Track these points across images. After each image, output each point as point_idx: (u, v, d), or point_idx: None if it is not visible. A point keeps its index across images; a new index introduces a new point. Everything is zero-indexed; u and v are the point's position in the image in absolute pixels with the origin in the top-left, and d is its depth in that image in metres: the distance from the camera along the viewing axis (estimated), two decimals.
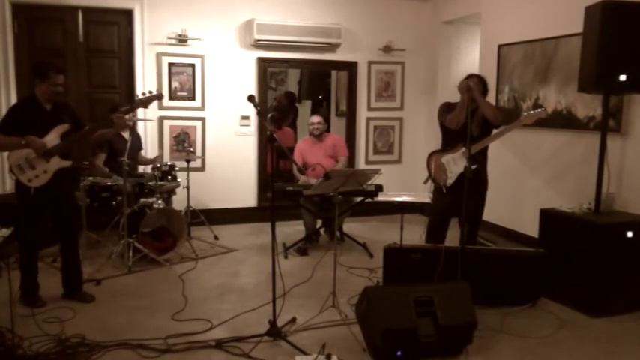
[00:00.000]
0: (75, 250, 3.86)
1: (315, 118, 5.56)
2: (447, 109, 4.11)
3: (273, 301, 3.25)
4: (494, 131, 4.05)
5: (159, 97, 3.96)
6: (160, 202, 4.78)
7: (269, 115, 7.07)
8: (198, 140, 5.97)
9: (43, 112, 3.60)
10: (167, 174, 5.08)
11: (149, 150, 5.74)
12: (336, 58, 6.36)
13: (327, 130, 5.92)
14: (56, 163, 3.59)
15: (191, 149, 5.69)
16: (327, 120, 6.65)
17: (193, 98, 5.90)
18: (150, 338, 3.18)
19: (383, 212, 6.26)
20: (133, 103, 3.85)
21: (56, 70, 3.57)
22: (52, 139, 3.57)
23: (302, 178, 5.16)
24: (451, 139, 4.10)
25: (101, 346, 3.08)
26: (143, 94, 3.81)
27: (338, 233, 5.31)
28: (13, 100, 5.24)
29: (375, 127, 6.67)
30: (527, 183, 5.20)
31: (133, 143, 4.81)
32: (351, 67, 6.46)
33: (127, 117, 5.02)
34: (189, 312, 3.64)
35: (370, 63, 6.51)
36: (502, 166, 5.22)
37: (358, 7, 6.37)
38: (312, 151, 5.43)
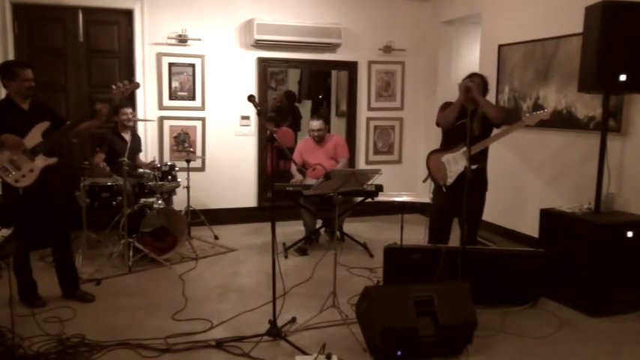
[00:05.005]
0: (67, 249, 3.83)
1: (315, 124, 5.36)
2: (444, 108, 4.09)
3: (273, 301, 3.25)
4: (495, 131, 4.03)
5: (136, 86, 3.89)
6: (160, 202, 4.78)
7: (267, 115, 7.06)
8: (199, 140, 5.96)
9: (21, 112, 3.57)
10: (167, 174, 5.09)
11: (149, 150, 5.74)
12: (336, 58, 6.35)
13: (328, 131, 5.81)
14: (42, 161, 3.55)
15: (191, 149, 5.70)
16: (327, 120, 6.59)
17: (193, 98, 5.90)
18: (150, 338, 3.18)
19: (383, 212, 6.26)
20: (111, 95, 3.69)
21: (22, 66, 3.56)
22: (34, 137, 3.53)
23: (298, 177, 5.08)
24: (452, 138, 4.06)
25: (101, 346, 3.08)
26: (118, 86, 3.69)
27: (338, 233, 5.29)
28: None
29: (375, 127, 6.67)
30: (528, 183, 5.19)
31: (132, 144, 4.81)
32: (351, 67, 6.46)
33: (125, 117, 5.08)
34: (190, 312, 3.64)
35: (370, 63, 6.51)
36: (502, 166, 5.21)
37: (358, 7, 6.37)
38: (314, 153, 5.36)
